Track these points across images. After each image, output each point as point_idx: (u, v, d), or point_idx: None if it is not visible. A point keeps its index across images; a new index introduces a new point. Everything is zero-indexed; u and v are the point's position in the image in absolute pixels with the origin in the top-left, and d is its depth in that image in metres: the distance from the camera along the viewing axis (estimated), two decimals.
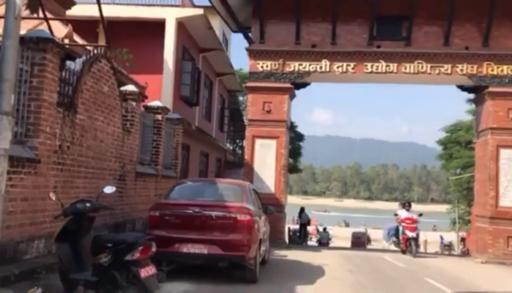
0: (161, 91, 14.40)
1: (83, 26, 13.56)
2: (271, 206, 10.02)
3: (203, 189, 8.34)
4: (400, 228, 15.20)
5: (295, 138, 35.46)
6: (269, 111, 15.24)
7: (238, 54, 22.21)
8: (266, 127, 15.26)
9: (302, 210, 26.74)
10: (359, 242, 39.15)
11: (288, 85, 15.23)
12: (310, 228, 53.53)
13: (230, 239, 7.15)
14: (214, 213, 7.28)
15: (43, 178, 6.75)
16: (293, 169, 36.11)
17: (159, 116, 12.04)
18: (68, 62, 7.87)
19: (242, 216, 7.25)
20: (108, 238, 5.59)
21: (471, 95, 16.26)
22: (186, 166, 16.98)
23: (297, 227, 30.88)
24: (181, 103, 15.79)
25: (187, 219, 7.28)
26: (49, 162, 6.92)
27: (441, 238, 38.82)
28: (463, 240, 39.38)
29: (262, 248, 8.63)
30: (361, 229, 49.75)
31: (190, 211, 7.27)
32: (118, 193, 9.55)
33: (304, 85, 16.18)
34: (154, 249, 5.26)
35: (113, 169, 9.29)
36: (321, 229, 53.63)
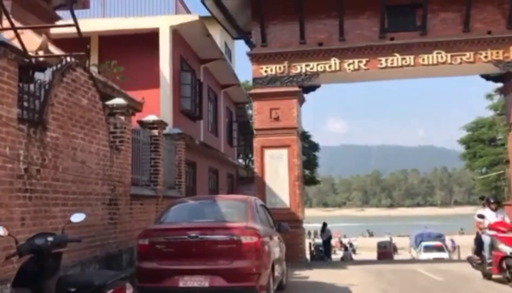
0: (159, 105, 13.30)
1: (74, 44, 12.62)
2: (285, 223, 8.73)
3: (201, 208, 7.10)
4: (487, 239, 9.70)
5: (310, 149, 34.13)
6: (277, 119, 14.04)
7: (243, 65, 21.19)
8: (275, 136, 14.04)
9: (324, 225, 25.52)
10: (386, 252, 37.46)
11: (296, 88, 14.03)
12: (333, 241, 52.09)
13: (236, 267, 5.88)
14: (214, 237, 6.03)
15: (4, 209, 5.60)
16: (310, 180, 34.75)
17: (155, 132, 10.91)
18: (37, 74, 6.81)
19: (248, 238, 5.99)
20: (71, 280, 4.41)
21: (498, 85, 14.71)
22: (193, 184, 15.80)
23: (319, 241, 29.61)
24: (183, 118, 14.68)
25: (183, 246, 6.04)
26: (12, 190, 5.78)
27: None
28: None
29: (277, 272, 7.36)
30: (386, 238, 48.00)
31: (185, 236, 6.02)
32: (109, 219, 8.43)
33: (314, 88, 14.98)
34: (130, 291, 4.07)
35: (101, 193, 8.11)
36: (345, 241, 52.10)
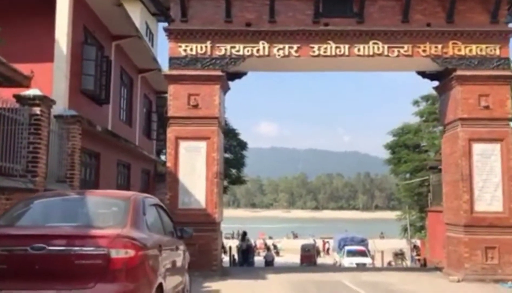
0: (52, 82, 11.03)
1: None
2: (189, 228, 6.99)
3: (62, 208, 5.10)
4: None
5: (238, 147, 32.63)
6: (196, 106, 12.23)
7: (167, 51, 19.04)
8: (192, 126, 12.22)
9: (244, 234, 24.30)
10: (309, 255, 36.72)
11: (219, 73, 12.29)
12: (258, 242, 51.02)
13: None
14: (70, 249, 4.14)
15: None
16: (236, 179, 33.25)
17: (37, 110, 8.72)
18: None
19: (120, 252, 4.17)
20: None
21: (433, 83, 13.85)
22: (95, 178, 13.59)
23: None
24: (84, 100, 12.44)
25: (21, 262, 4.11)
26: None
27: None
28: (415, 247, 37.96)
29: (173, 290, 5.62)
30: (310, 241, 47.57)
31: (26, 248, 4.09)
32: None
33: (240, 75, 13.35)
34: None
35: None
36: (269, 242, 51.15)
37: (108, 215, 4.85)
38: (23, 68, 10.17)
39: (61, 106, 10.95)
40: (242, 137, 32.11)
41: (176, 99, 12.23)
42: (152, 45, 21.85)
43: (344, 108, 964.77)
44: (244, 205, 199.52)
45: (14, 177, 8.21)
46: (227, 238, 63.35)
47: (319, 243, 48.71)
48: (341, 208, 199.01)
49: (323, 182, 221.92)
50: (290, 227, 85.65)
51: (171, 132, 12.21)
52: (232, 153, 32.30)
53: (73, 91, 11.67)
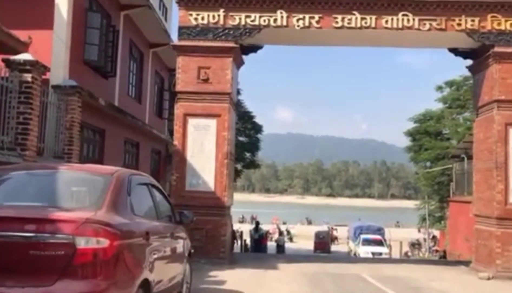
0: (51, 50, 10.17)
1: None
2: (189, 211, 6.07)
3: (26, 184, 4.16)
4: None
5: (253, 130, 31.64)
6: (206, 81, 11.27)
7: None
8: (202, 102, 11.28)
9: (257, 224, 23.88)
10: (323, 242, 35.88)
11: (232, 44, 11.27)
12: (271, 227, 50.35)
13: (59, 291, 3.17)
14: (24, 236, 3.26)
15: None
16: (251, 163, 32.34)
17: (27, 77, 7.86)
18: None
19: (89, 241, 3.28)
20: None
21: (466, 62, 12.64)
22: (99, 156, 12.78)
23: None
24: (87, 71, 11.57)
25: None
26: None
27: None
28: (433, 238, 36.82)
29: (167, 283, 4.76)
30: (324, 228, 46.66)
31: None
32: None
33: (255, 48, 12.33)
34: None
35: None
36: (283, 228, 50.38)
37: (82, 194, 3.97)
38: (21, 35, 9.34)
39: (60, 76, 10.12)
40: (257, 120, 31.07)
41: (185, 73, 11.28)
42: (166, 20, 20.87)
43: (361, 93, 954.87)
44: (258, 190, 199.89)
45: (1, 150, 7.41)
46: (240, 222, 63.13)
47: (334, 231, 47.85)
48: (356, 195, 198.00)
49: (339, 169, 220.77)
50: (304, 213, 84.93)
51: (179, 108, 11.29)
52: (247, 136, 31.36)
53: (75, 62, 10.78)
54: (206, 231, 10.84)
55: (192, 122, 11.25)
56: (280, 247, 28.11)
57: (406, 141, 36.80)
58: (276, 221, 61.76)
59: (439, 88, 34.97)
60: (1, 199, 3.74)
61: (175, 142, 11.39)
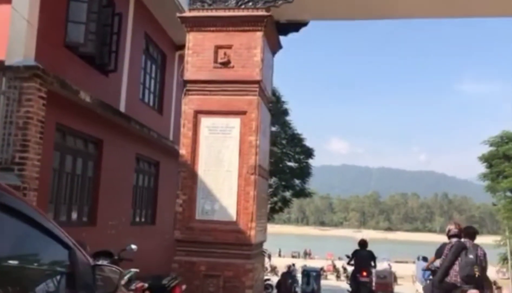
0: (8, 25, 7.33)
1: None
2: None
3: None
4: None
5: (303, 155, 28.02)
6: (226, 64, 8.03)
7: None
8: (220, 94, 8.03)
9: (308, 276, 18.98)
10: (386, 283, 31.19)
11: (263, 12, 8.04)
12: (325, 264, 45.75)
13: None
14: None
15: None
16: (301, 192, 28.56)
17: None
18: None
19: None
20: None
21: None
22: (94, 173, 9.74)
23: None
24: (73, 60, 8.65)
25: None
26: None
27: None
28: None
29: None
30: (384, 265, 41.60)
31: None
32: None
33: (296, 26, 9.02)
34: None
35: None
36: (339, 264, 45.58)
37: None
38: None
39: (19, 60, 7.21)
40: (306, 140, 27.41)
41: (197, 55, 8.11)
42: None
43: (419, 125, 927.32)
44: (312, 223, 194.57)
45: None
46: (294, 256, 58.91)
47: (395, 268, 42.77)
48: (416, 229, 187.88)
49: (397, 202, 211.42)
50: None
51: (188, 103, 8.08)
52: (296, 162, 27.81)
53: (49, 43, 7.87)
54: (224, 280, 7.42)
55: (206, 122, 7.99)
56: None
57: (467, 173, 32.07)
58: (330, 256, 57.05)
59: None
60: None
61: (182, 151, 8.14)
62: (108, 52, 9.73)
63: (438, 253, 7.17)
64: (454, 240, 6.45)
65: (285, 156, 26.36)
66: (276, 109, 24.76)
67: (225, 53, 8.01)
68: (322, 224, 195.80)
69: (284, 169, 25.72)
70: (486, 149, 31.00)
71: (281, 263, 41.91)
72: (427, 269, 7.71)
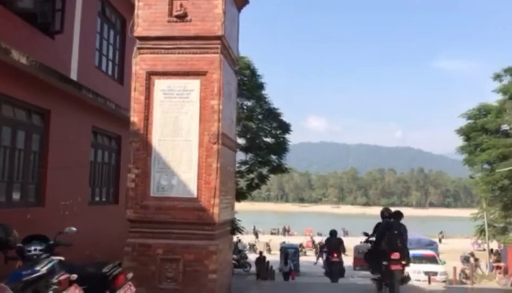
0: None
1: None
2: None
3: None
4: None
5: (280, 130, 27.06)
6: (182, 18, 6.97)
7: None
8: (177, 52, 6.99)
9: (286, 256, 20.81)
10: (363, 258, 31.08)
11: None
12: (304, 240, 45.41)
13: None
14: None
15: None
16: (277, 167, 27.67)
17: None
18: None
19: None
20: None
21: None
22: (41, 150, 8.66)
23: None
24: (9, 16, 7.50)
25: None
26: None
27: None
28: (494, 252, 31.39)
29: None
30: (362, 239, 41.39)
31: None
32: None
33: None
34: None
35: None
36: (317, 240, 45.23)
37: None
38: None
39: None
40: (283, 115, 26.47)
41: (149, 7, 7.03)
42: None
43: (396, 102, 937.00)
44: (292, 200, 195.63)
45: None
46: (273, 233, 58.60)
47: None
48: (393, 204, 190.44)
49: (374, 178, 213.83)
50: (340, 223, 79.68)
51: (140, 63, 7.02)
52: (273, 137, 26.82)
53: None
54: (184, 264, 6.50)
55: (160, 85, 6.96)
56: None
57: (443, 148, 31.89)
58: (309, 232, 56.91)
59: (497, 77, 29.76)
60: None
61: (133, 118, 7.11)
62: (51, 10, 8.55)
63: (375, 229, 9.33)
64: (385, 220, 8.98)
65: (261, 131, 25.32)
66: (252, 83, 23.72)
67: (181, 5, 6.95)
68: (302, 200, 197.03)
69: (261, 144, 24.74)
70: (463, 123, 30.69)
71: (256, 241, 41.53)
72: (366, 241, 9.77)
